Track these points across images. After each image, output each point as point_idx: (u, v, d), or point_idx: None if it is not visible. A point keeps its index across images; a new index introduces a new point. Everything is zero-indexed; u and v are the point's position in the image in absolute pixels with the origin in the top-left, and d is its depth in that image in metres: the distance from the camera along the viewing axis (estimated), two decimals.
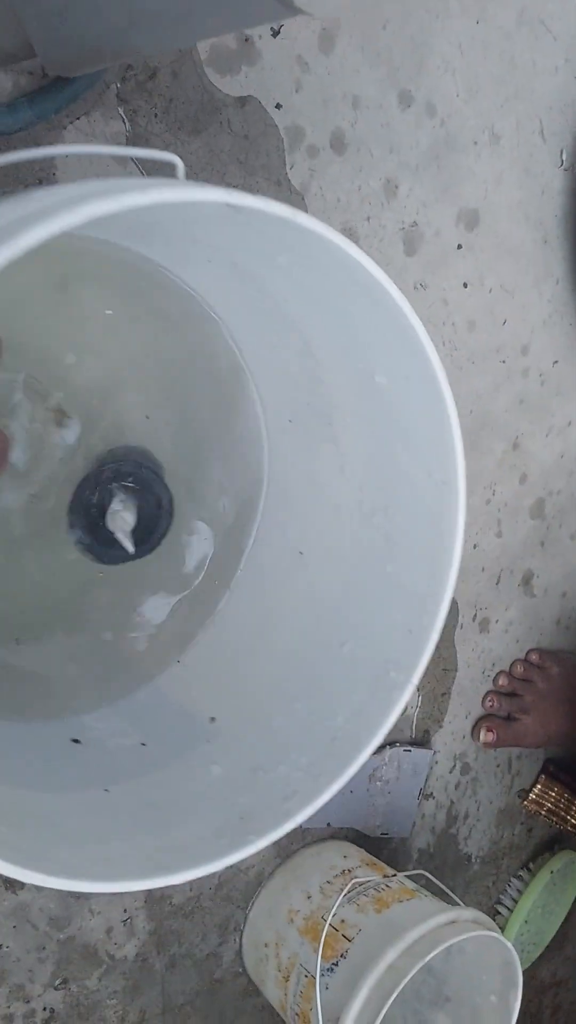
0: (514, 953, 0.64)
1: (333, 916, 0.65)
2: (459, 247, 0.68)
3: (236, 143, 0.58)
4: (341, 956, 0.62)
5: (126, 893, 0.65)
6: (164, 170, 0.40)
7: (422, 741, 0.78)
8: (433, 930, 0.60)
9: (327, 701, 0.45)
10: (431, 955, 0.58)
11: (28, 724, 0.47)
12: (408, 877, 0.70)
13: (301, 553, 0.50)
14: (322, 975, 0.62)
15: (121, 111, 0.54)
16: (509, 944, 0.64)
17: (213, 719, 0.48)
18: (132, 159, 0.54)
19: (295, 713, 0.46)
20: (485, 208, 0.69)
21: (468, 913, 0.62)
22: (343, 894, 0.66)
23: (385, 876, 0.69)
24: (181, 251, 0.41)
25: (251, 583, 0.53)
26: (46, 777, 0.43)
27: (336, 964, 0.62)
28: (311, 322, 0.41)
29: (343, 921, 0.64)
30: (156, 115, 0.55)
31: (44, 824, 0.38)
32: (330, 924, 0.64)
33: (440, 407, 0.37)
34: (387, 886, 0.67)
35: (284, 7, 0.29)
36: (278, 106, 0.59)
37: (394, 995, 0.56)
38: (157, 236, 0.40)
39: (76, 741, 0.46)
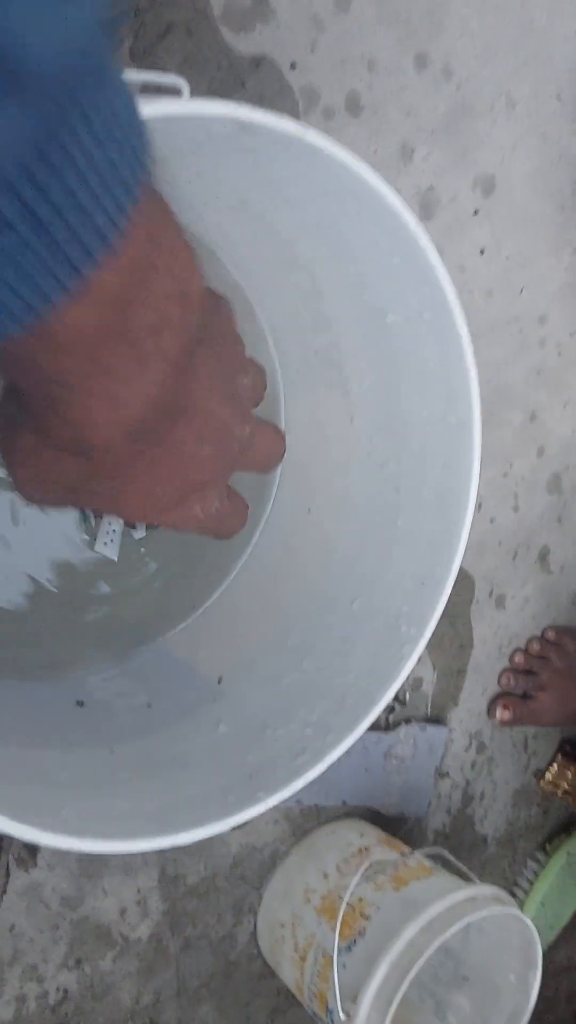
0: (534, 931, 0.63)
1: (351, 895, 0.63)
2: (475, 213, 0.67)
3: (250, 103, 0.57)
4: (359, 934, 0.61)
5: (139, 873, 0.64)
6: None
7: (438, 719, 0.77)
8: (452, 906, 0.59)
9: (338, 658, 0.44)
10: (451, 931, 0.56)
11: (32, 684, 0.46)
12: (426, 856, 0.69)
13: (309, 511, 0.49)
14: (340, 954, 0.61)
15: (134, 69, 0.53)
16: (529, 922, 0.63)
17: (220, 679, 0.47)
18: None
19: (305, 671, 0.45)
20: (501, 174, 0.68)
21: (488, 890, 0.61)
22: (361, 872, 0.64)
23: (402, 854, 0.68)
24: (187, 190, 0.40)
25: (259, 543, 0.52)
26: (50, 738, 0.42)
27: (354, 942, 0.61)
28: (321, 260, 0.40)
29: (361, 899, 0.63)
30: (169, 73, 0.54)
31: (48, 784, 0.38)
32: (347, 903, 0.63)
33: (455, 342, 0.36)
34: (405, 864, 0.66)
35: None
36: (293, 66, 0.58)
37: (413, 971, 0.55)
38: (162, 176, 0.39)
39: (80, 704, 0.45)
